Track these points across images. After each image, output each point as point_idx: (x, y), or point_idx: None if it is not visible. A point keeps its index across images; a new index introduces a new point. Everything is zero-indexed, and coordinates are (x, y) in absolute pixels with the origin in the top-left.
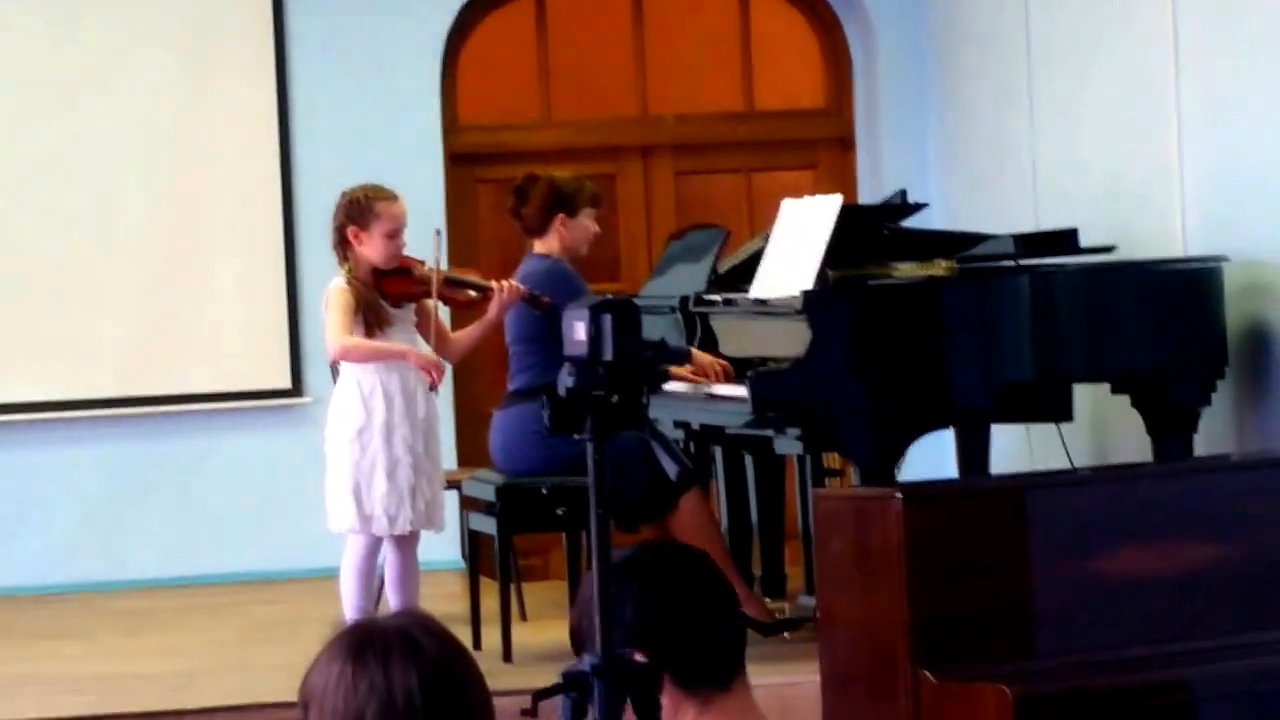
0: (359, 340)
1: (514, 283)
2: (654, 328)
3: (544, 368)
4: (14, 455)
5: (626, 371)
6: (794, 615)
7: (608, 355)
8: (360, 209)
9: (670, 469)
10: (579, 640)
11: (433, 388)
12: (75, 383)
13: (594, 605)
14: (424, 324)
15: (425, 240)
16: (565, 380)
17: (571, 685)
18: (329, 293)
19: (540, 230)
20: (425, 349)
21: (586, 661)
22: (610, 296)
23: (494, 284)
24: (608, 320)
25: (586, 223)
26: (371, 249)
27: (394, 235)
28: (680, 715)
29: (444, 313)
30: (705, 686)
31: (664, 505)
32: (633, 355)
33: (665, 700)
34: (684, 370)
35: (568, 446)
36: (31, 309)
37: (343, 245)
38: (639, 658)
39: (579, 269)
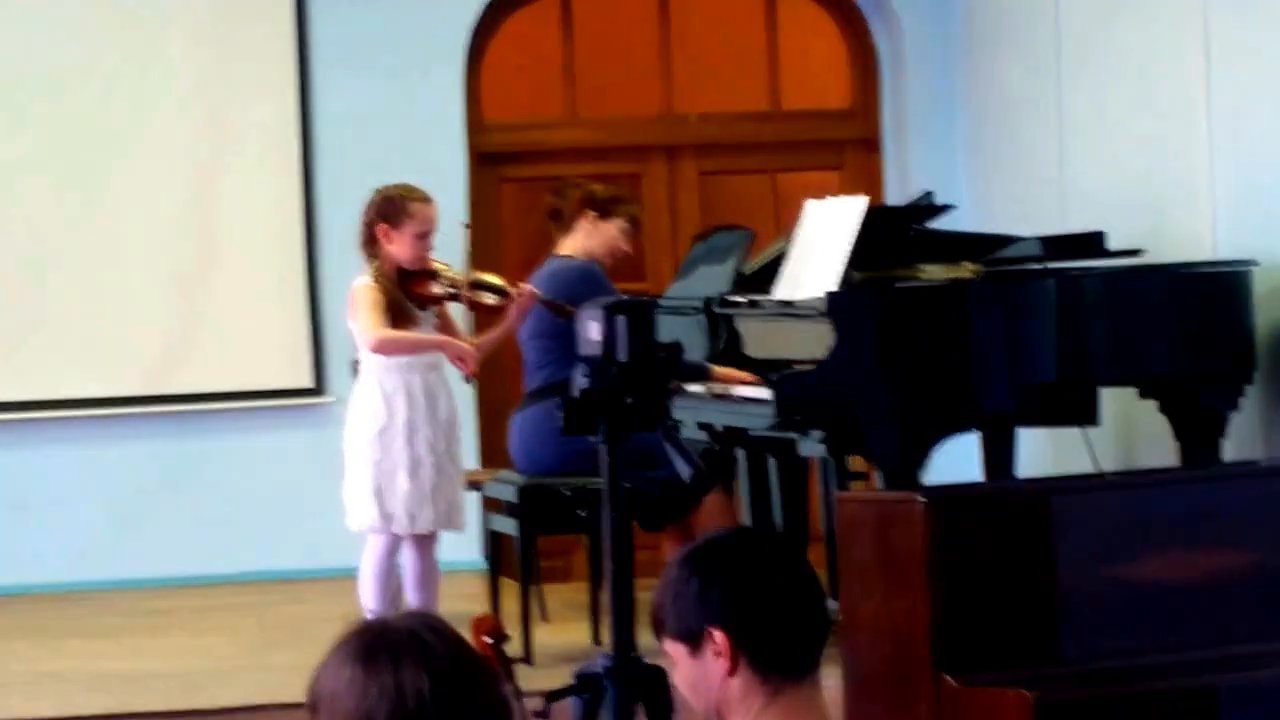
0: (397, 333)
1: (530, 287)
2: (678, 329)
3: (561, 364)
4: (37, 452)
5: (641, 372)
6: None
7: (622, 356)
8: (394, 207)
9: (683, 471)
10: (659, 620)
11: (468, 379)
12: (98, 380)
13: (666, 590)
14: (446, 333)
15: (450, 239)
16: (579, 381)
17: (584, 686)
18: (355, 291)
19: (569, 226)
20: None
21: (599, 663)
22: (625, 297)
23: (513, 289)
24: (622, 321)
25: (615, 231)
26: (400, 248)
27: (424, 236)
28: (748, 702)
29: (465, 315)
30: (778, 674)
31: (687, 505)
32: (647, 356)
33: (736, 683)
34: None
35: (587, 444)
36: (54, 306)
37: (371, 243)
38: (717, 635)
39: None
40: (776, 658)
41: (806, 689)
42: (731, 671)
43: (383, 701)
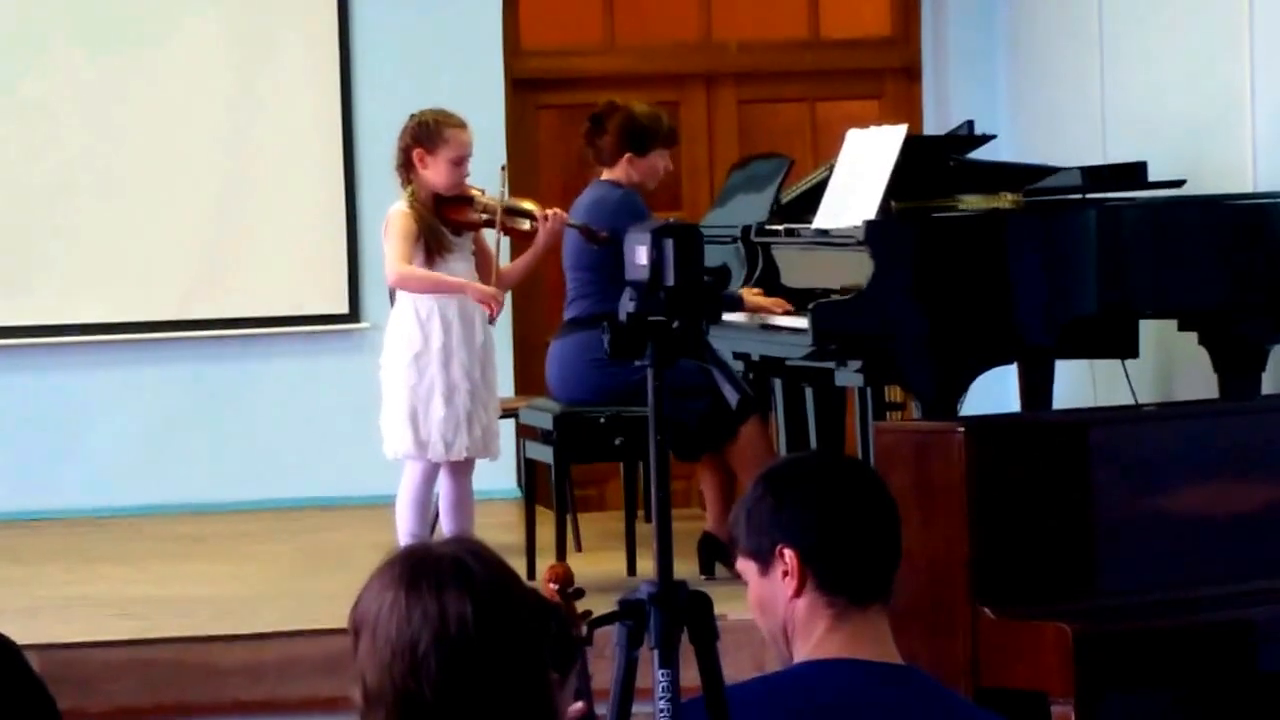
0: (418, 269)
1: (559, 211)
2: (715, 258)
3: (601, 296)
4: (69, 376)
5: (688, 297)
6: None
7: (669, 280)
8: (429, 132)
9: (730, 396)
10: (733, 537)
11: (491, 320)
12: (132, 305)
13: (742, 507)
14: (483, 260)
15: (485, 170)
16: (626, 305)
17: (627, 613)
18: (390, 217)
19: (610, 163)
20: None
21: (643, 589)
22: (673, 221)
23: (543, 213)
24: (670, 245)
25: (656, 161)
26: (436, 174)
27: (460, 162)
28: (812, 625)
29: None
30: (844, 598)
31: (723, 435)
32: (694, 280)
33: (802, 605)
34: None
35: (624, 375)
36: (89, 230)
37: (406, 167)
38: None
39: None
40: (844, 581)
41: (872, 616)
42: (798, 592)
43: (426, 626)
